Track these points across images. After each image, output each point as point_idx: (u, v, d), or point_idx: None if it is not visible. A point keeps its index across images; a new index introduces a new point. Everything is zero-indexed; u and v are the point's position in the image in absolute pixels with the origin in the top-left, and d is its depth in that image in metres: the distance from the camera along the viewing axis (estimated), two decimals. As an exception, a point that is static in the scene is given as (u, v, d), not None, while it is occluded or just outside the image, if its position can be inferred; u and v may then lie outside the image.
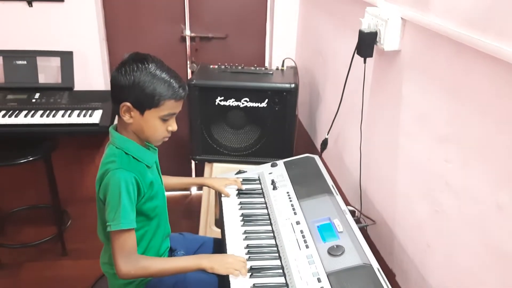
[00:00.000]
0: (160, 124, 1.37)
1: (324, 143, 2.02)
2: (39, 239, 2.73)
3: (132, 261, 1.33)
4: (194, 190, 3.24)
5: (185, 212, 3.07)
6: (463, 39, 1.09)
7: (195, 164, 3.15)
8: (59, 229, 2.68)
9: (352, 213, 1.69)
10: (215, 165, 2.41)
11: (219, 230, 2.50)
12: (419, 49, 1.35)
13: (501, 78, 0.99)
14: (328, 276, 1.31)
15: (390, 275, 1.57)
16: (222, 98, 2.29)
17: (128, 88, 1.31)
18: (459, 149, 1.18)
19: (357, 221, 1.69)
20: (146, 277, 1.39)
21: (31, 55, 2.63)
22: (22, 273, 2.54)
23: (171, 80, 1.34)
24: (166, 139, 1.43)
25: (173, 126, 1.40)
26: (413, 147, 1.41)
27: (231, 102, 2.30)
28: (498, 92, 1.01)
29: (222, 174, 1.94)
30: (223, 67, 2.51)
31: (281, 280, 1.37)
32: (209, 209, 2.53)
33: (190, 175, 3.21)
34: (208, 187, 1.82)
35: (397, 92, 1.48)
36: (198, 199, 2.84)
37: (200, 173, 2.77)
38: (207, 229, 2.53)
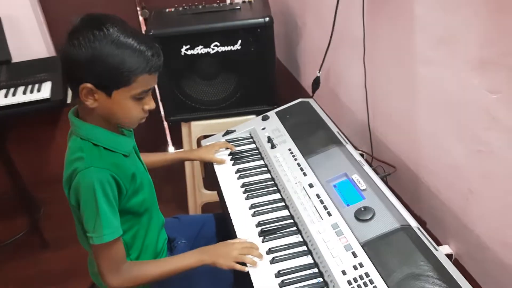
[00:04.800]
0: (134, 104, 1.08)
1: (316, 82, 1.76)
2: (12, 235, 2.45)
3: (122, 272, 1.11)
4: (172, 150, 2.97)
5: (167, 176, 2.81)
6: None
7: (169, 126, 2.85)
8: (32, 219, 2.42)
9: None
10: (193, 124, 2.13)
11: (210, 193, 2.31)
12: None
13: None
14: (363, 247, 1.12)
15: (419, 223, 1.39)
16: (188, 46, 1.97)
17: (86, 64, 1.00)
18: (507, 75, 0.95)
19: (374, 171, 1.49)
20: (143, 285, 1.16)
21: None
22: (1, 276, 2.29)
23: (141, 47, 1.03)
24: (144, 120, 1.15)
25: (150, 104, 1.12)
26: (437, 77, 1.18)
27: (199, 50, 1.98)
28: None
29: (209, 140, 1.67)
30: (181, 9, 2.16)
31: (308, 260, 1.17)
32: (195, 171, 2.28)
33: (165, 140, 2.92)
34: (195, 160, 1.56)
35: (409, 12, 1.22)
36: (179, 159, 2.58)
37: (176, 135, 2.48)
38: (197, 193, 2.30)
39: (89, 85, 1.02)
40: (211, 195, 2.26)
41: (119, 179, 1.09)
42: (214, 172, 1.52)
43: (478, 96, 1.05)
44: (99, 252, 1.09)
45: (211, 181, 2.30)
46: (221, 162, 1.52)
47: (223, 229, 1.42)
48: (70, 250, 2.31)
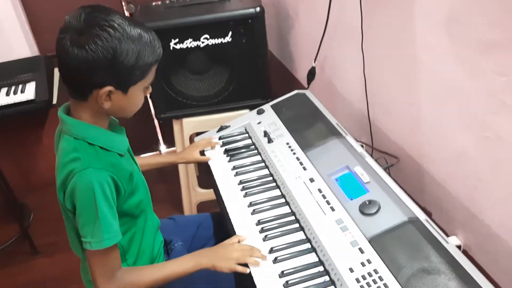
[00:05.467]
0: (142, 94, 1.07)
1: (312, 73, 1.70)
2: (2, 243, 2.36)
3: (117, 279, 1.05)
4: (163, 149, 2.90)
5: (160, 175, 2.75)
6: None
7: (160, 124, 2.77)
8: (22, 226, 2.33)
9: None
10: (185, 121, 2.07)
11: (205, 191, 2.24)
12: None
13: None
14: (370, 242, 1.06)
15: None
16: (177, 40, 1.90)
17: (107, 67, 0.94)
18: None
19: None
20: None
21: None
22: (-8, 286, 2.22)
23: (150, 37, 0.99)
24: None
25: (150, 89, 1.10)
26: (440, 63, 1.13)
27: (189, 43, 1.91)
28: None
29: (202, 136, 1.61)
30: (168, 2, 2.09)
31: (313, 258, 1.11)
32: (188, 169, 2.22)
33: (157, 139, 2.84)
34: (181, 163, 1.52)
35: (408, -4, 1.16)
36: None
37: (168, 133, 2.41)
38: (191, 192, 2.24)
39: (110, 88, 0.97)
40: (207, 194, 2.20)
41: (117, 180, 1.03)
42: (209, 170, 1.46)
43: (485, 80, 1.00)
44: (94, 258, 1.02)
45: (206, 179, 2.26)
46: (206, 160, 1.46)
47: (221, 229, 1.36)
48: (62, 256, 2.24)
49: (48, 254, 2.33)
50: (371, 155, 1.50)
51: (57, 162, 1.04)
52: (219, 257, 1.10)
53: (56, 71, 2.35)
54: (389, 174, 1.32)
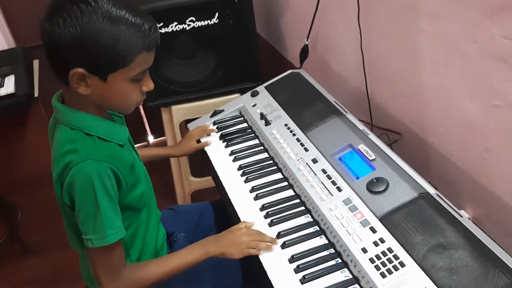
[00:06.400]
0: (131, 87, 0.94)
1: (304, 52, 1.65)
2: (-10, 245, 2.29)
3: (123, 276, 0.99)
4: (151, 139, 2.83)
5: (151, 165, 2.66)
6: None
7: (146, 113, 2.69)
8: (10, 226, 2.26)
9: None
10: (174, 108, 2.00)
11: (199, 180, 2.19)
12: None
13: None
14: (381, 221, 1.03)
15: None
16: (162, 24, 1.82)
17: (75, 45, 0.86)
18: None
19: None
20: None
21: None
22: (-18, 289, 2.14)
23: (137, 21, 0.89)
24: (141, 103, 1.02)
25: (148, 85, 0.98)
26: (443, 31, 1.09)
27: (174, 27, 1.84)
28: None
29: (196, 122, 1.55)
30: (150, -16, 2.00)
31: (322, 240, 1.07)
32: (180, 159, 2.16)
33: (144, 129, 2.76)
34: (181, 156, 1.47)
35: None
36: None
37: (155, 122, 2.33)
38: (184, 182, 2.18)
39: (80, 70, 0.88)
40: (200, 182, 2.15)
41: (118, 172, 0.96)
42: (207, 157, 1.40)
43: (493, 45, 0.96)
44: (97, 256, 0.96)
45: (198, 167, 2.20)
46: (204, 145, 1.42)
47: (223, 217, 1.32)
48: (55, 254, 2.18)
49: (40, 253, 2.26)
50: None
51: (53, 153, 0.98)
52: (228, 244, 1.06)
53: (35, 63, 2.25)
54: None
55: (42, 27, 0.88)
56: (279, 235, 1.09)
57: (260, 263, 1.04)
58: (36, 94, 2.04)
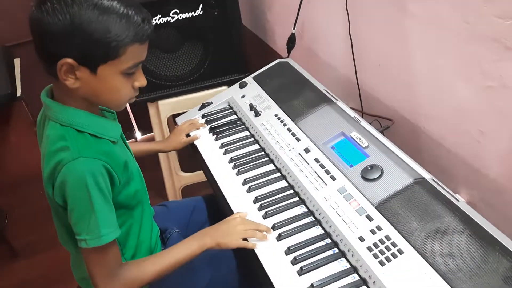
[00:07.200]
0: (123, 81, 0.91)
1: (292, 41, 1.62)
2: (-23, 250, 2.23)
3: (119, 277, 0.96)
4: (139, 136, 2.78)
5: (139, 161, 2.63)
6: None
7: (133, 108, 2.64)
8: (-3, 229, 2.20)
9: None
10: (161, 103, 1.96)
11: (188, 174, 2.16)
12: None
13: None
14: (377, 209, 1.01)
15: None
16: (145, 17, 1.78)
17: (64, 34, 0.83)
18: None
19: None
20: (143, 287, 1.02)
21: None
22: (-30, 296, 2.09)
23: (130, 12, 0.86)
24: (133, 99, 0.98)
25: (141, 80, 0.95)
26: (433, 13, 1.07)
27: (158, 20, 1.80)
28: None
29: (184, 116, 1.52)
30: (130, -23, 1.95)
31: (318, 231, 1.06)
32: (169, 154, 2.12)
33: (130, 125, 2.71)
34: (170, 151, 1.45)
35: None
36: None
37: (142, 118, 2.29)
38: (174, 177, 2.15)
39: (69, 60, 0.85)
40: (190, 177, 2.12)
41: (111, 170, 0.93)
42: (197, 151, 1.37)
43: (486, 25, 0.94)
44: (92, 256, 0.93)
45: (187, 162, 2.17)
46: (194, 139, 1.40)
47: (216, 211, 1.29)
48: (44, 256, 2.13)
49: (28, 256, 2.21)
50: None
51: (43, 151, 0.94)
52: (223, 233, 1.04)
53: (16, 62, 2.19)
54: (385, 137, 1.27)
55: (30, 15, 0.85)
56: (274, 227, 1.07)
57: (256, 257, 1.02)
58: (18, 94, 1.99)
